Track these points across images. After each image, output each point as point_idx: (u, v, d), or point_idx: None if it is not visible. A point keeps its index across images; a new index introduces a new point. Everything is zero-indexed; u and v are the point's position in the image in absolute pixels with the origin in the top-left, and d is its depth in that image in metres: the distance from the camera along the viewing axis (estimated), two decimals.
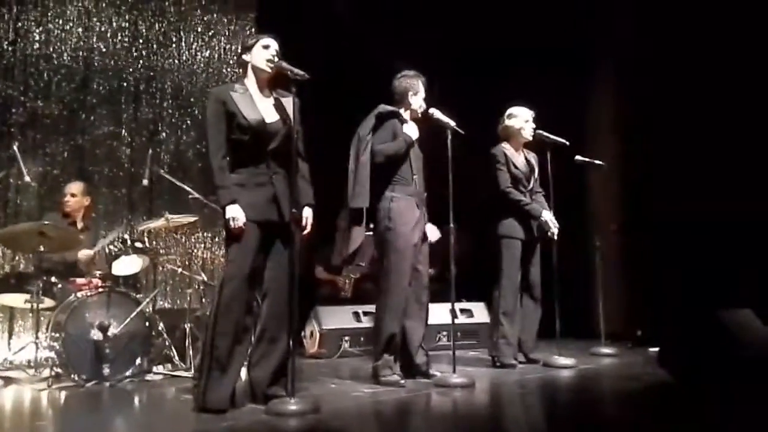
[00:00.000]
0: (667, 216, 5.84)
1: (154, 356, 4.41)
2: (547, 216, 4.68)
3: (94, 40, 6.09)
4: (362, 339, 5.37)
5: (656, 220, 5.99)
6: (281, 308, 3.25)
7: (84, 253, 4.76)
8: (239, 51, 3.48)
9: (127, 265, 4.56)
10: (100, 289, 4.27)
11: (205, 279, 4.95)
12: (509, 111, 4.88)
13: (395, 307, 3.90)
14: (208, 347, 3.15)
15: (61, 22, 5.94)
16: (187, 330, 4.49)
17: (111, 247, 4.50)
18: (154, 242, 5.25)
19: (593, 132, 6.72)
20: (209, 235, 6.38)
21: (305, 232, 3.38)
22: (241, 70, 3.46)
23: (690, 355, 3.76)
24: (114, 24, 6.21)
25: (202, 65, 6.63)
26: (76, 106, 5.94)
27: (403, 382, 3.84)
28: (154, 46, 6.39)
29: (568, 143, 4.94)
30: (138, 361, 4.20)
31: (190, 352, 4.43)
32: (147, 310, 4.36)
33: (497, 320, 4.66)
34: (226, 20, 6.80)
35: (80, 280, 4.52)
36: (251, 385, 3.30)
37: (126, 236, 4.71)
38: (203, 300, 4.81)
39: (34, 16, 5.81)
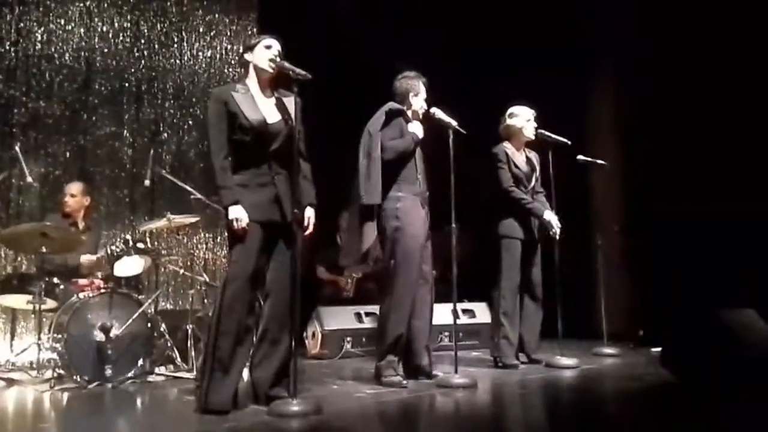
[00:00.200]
0: (670, 216, 5.84)
1: (156, 357, 4.40)
2: (549, 216, 4.67)
3: (96, 40, 6.10)
4: (364, 339, 5.37)
5: (658, 220, 5.98)
6: (283, 309, 3.25)
7: (87, 258, 4.77)
8: (241, 51, 3.48)
9: (129, 266, 4.56)
10: (102, 291, 4.27)
11: (207, 280, 4.95)
12: (510, 110, 4.88)
13: (402, 307, 3.90)
14: (211, 348, 3.15)
15: (62, 22, 5.95)
16: (189, 331, 4.49)
17: (113, 248, 4.49)
18: (156, 243, 5.25)
19: (594, 132, 6.71)
20: (211, 235, 6.38)
21: (307, 232, 3.38)
22: (242, 70, 3.46)
23: (692, 355, 3.75)
24: (116, 24, 6.21)
25: (203, 65, 6.64)
26: (77, 106, 5.95)
27: (405, 382, 3.84)
28: (156, 46, 6.40)
29: (569, 142, 4.93)
30: (140, 362, 4.20)
31: (192, 353, 4.43)
32: (149, 311, 4.36)
33: (498, 321, 4.66)
34: (227, 20, 6.81)
35: (82, 281, 4.53)
36: (253, 386, 3.30)
37: (128, 237, 4.70)
38: (205, 301, 4.81)
39: (36, 17, 5.82)
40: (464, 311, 5.87)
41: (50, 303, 4.41)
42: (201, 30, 6.67)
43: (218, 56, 6.73)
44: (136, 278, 4.69)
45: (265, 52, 3.32)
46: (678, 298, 5.54)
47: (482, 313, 5.89)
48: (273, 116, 3.30)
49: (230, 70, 6.72)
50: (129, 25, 6.27)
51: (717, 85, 5.62)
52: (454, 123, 4.03)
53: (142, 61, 6.30)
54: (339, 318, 5.49)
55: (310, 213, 3.38)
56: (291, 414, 2.98)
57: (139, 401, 3.78)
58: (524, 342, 4.73)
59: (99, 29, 6.12)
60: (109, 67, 6.13)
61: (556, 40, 6.65)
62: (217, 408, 3.08)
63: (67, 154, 5.85)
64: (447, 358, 4.35)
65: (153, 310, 4.52)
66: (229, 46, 6.77)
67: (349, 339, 5.40)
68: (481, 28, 6.74)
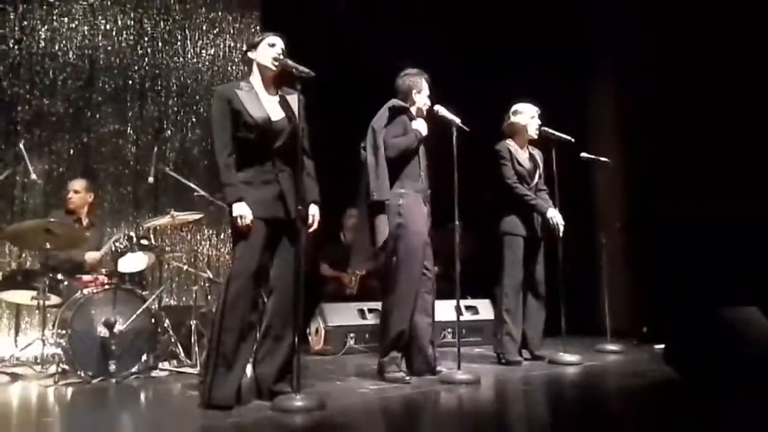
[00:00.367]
0: (672, 214, 5.83)
1: (159, 353, 4.42)
2: (553, 213, 4.67)
3: (100, 38, 6.12)
4: (367, 336, 5.38)
5: (661, 218, 5.98)
6: (287, 305, 3.26)
7: (90, 256, 4.79)
8: (245, 49, 3.48)
9: (133, 263, 4.57)
10: (106, 286, 4.28)
11: (211, 276, 4.96)
12: (514, 107, 4.87)
13: (405, 303, 3.90)
14: (214, 344, 3.16)
15: (66, 20, 5.97)
16: (193, 327, 4.50)
17: (117, 244, 4.50)
18: (159, 239, 5.27)
19: (596, 131, 6.71)
20: (215, 232, 6.40)
21: (311, 229, 3.38)
22: (246, 68, 3.46)
23: (695, 352, 3.75)
24: (119, 22, 6.23)
25: (207, 63, 6.65)
26: (81, 104, 5.97)
27: (408, 378, 3.85)
28: (160, 44, 6.41)
29: (573, 140, 4.93)
30: (144, 357, 4.21)
31: (196, 348, 4.45)
32: (153, 307, 4.38)
33: (501, 317, 4.66)
34: (230, 18, 6.82)
35: (86, 277, 4.54)
36: (257, 381, 3.30)
37: (132, 233, 4.72)
38: (209, 297, 4.83)
39: (40, 15, 5.84)
40: (467, 308, 5.87)
41: (54, 299, 4.43)
42: (204, 28, 6.69)
43: (221, 54, 6.74)
44: (140, 274, 4.70)
45: (269, 50, 3.33)
46: (681, 296, 5.53)
47: (485, 309, 5.89)
48: (277, 114, 3.31)
49: (233, 67, 6.73)
50: (132, 23, 6.29)
51: (718, 84, 5.61)
52: (457, 120, 4.02)
53: (146, 59, 6.32)
54: (342, 314, 5.51)
55: (314, 210, 3.39)
56: (294, 409, 2.99)
57: (142, 396, 3.79)
58: (527, 339, 4.73)
59: (102, 27, 6.14)
60: (112, 65, 6.15)
61: (557, 39, 6.66)
62: (220, 403, 3.09)
63: (71, 152, 5.87)
64: (450, 355, 4.34)
65: (157, 306, 4.53)
66: (232, 44, 6.79)
67: (352, 335, 5.41)
68: (484, 27, 6.74)
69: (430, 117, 4.16)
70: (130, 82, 6.23)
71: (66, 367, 4.09)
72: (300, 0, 6.48)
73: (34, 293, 4.35)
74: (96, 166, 5.95)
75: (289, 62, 3.28)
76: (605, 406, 3.59)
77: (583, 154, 5.36)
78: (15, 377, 4.20)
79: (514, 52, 6.73)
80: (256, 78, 3.38)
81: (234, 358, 3.15)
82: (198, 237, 6.30)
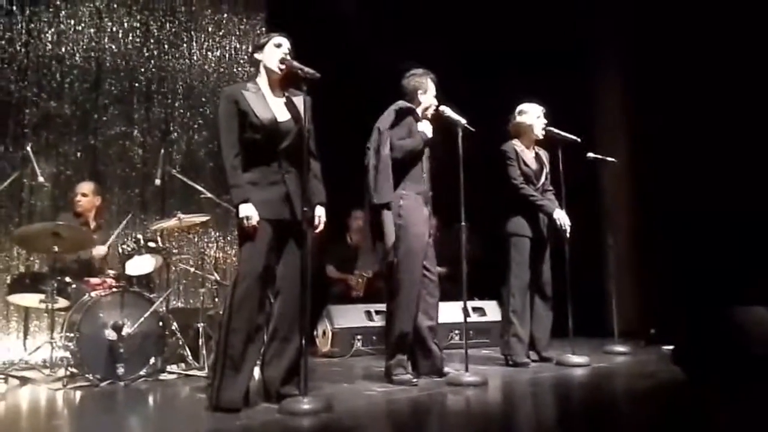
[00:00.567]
0: (680, 214, 5.81)
1: (167, 356, 4.43)
2: (559, 214, 4.66)
3: (106, 40, 6.14)
4: (374, 338, 5.38)
5: (668, 218, 5.95)
6: (293, 307, 3.26)
7: (98, 251, 4.80)
8: (251, 50, 3.49)
9: (141, 265, 4.59)
10: (114, 289, 4.29)
11: (218, 278, 4.97)
12: (520, 107, 4.86)
13: (407, 305, 3.90)
14: (222, 346, 3.16)
15: (72, 22, 5.99)
16: (201, 329, 4.51)
17: (124, 246, 4.52)
18: (167, 242, 5.27)
19: (602, 131, 6.69)
20: (221, 234, 6.41)
21: (318, 230, 3.38)
22: (253, 69, 3.47)
23: (704, 353, 3.73)
24: (125, 24, 6.24)
25: (213, 65, 6.66)
26: (88, 106, 5.98)
27: (415, 380, 3.85)
28: (166, 46, 6.43)
29: (579, 140, 4.91)
30: (152, 360, 4.22)
31: (204, 351, 4.46)
32: (160, 309, 4.39)
33: (508, 319, 4.65)
34: (236, 20, 6.83)
35: (94, 280, 4.55)
36: (264, 383, 3.31)
37: (139, 236, 4.73)
38: (216, 299, 4.83)
39: (47, 17, 5.86)
40: (474, 309, 5.86)
41: (62, 302, 4.45)
42: (210, 29, 6.70)
43: (227, 56, 6.75)
44: (148, 277, 4.71)
45: (275, 51, 3.33)
46: (689, 296, 5.51)
47: (492, 311, 5.88)
48: (283, 115, 3.31)
49: (239, 69, 6.75)
50: (138, 25, 6.30)
51: (725, 82, 5.59)
52: (463, 121, 4.01)
53: (152, 61, 6.33)
54: (349, 316, 5.51)
55: (320, 212, 3.39)
56: (302, 412, 2.99)
57: (150, 399, 3.80)
58: (535, 340, 4.72)
59: (109, 29, 6.16)
60: (119, 67, 6.17)
61: (563, 40, 6.66)
62: (228, 406, 3.09)
63: (78, 154, 5.89)
64: (457, 356, 4.34)
65: (164, 308, 4.54)
66: (238, 46, 6.80)
67: (359, 337, 5.41)
68: (489, 28, 6.75)
69: (436, 118, 4.15)
70: (137, 84, 6.25)
71: (74, 370, 4.11)
72: (305, 1, 6.48)
73: (42, 296, 4.37)
74: (103, 169, 5.97)
75: (295, 63, 3.28)
76: (613, 407, 3.58)
77: (590, 154, 5.35)
78: (24, 381, 4.22)
79: (519, 53, 6.72)
80: (262, 79, 3.38)
81: (241, 360, 3.15)
82: (205, 239, 6.31)
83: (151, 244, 4.59)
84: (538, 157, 4.85)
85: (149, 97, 6.31)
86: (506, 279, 4.67)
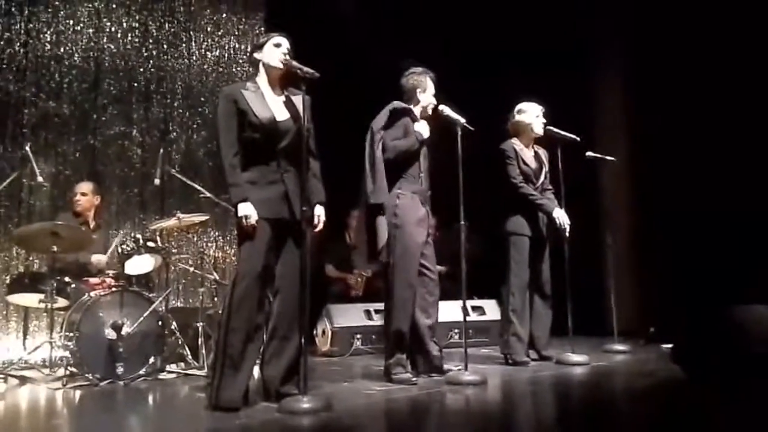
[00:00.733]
0: (679, 213, 5.81)
1: (167, 355, 4.43)
2: (559, 213, 4.66)
3: (105, 40, 6.14)
4: (374, 337, 5.38)
5: (667, 217, 5.96)
6: (293, 306, 3.26)
7: (97, 258, 4.81)
8: (250, 50, 3.49)
9: (140, 265, 4.59)
10: (113, 289, 4.29)
11: (217, 278, 4.97)
12: (519, 106, 4.87)
13: (403, 305, 3.90)
14: (221, 345, 3.16)
15: (71, 23, 5.99)
16: (200, 328, 4.51)
17: (123, 246, 4.52)
18: (166, 242, 5.27)
19: (602, 130, 6.70)
20: (221, 234, 6.41)
21: (317, 230, 3.38)
22: (252, 69, 3.47)
23: (703, 351, 3.73)
24: (124, 24, 6.24)
25: (212, 65, 6.67)
26: (87, 106, 5.99)
27: (414, 379, 3.85)
28: (165, 46, 6.43)
29: (578, 139, 4.91)
30: (151, 359, 4.22)
31: (203, 350, 4.46)
32: (160, 309, 4.39)
33: (508, 318, 4.65)
34: (235, 19, 6.83)
35: (93, 280, 4.56)
36: (264, 383, 3.31)
37: (138, 235, 4.73)
38: (215, 299, 4.83)
39: (45, 18, 5.86)
40: (474, 308, 5.87)
41: (62, 302, 4.45)
42: (209, 29, 6.70)
43: (226, 55, 6.76)
44: (147, 276, 4.71)
45: (275, 51, 3.33)
46: (688, 295, 5.51)
47: (492, 310, 5.89)
48: (282, 114, 3.31)
49: (238, 68, 6.75)
50: (137, 25, 6.31)
51: (724, 81, 5.60)
52: (462, 120, 4.01)
53: (151, 61, 6.33)
54: (348, 315, 5.51)
55: (319, 211, 3.40)
56: (301, 411, 2.99)
57: (150, 399, 3.80)
58: (534, 339, 4.72)
59: (108, 30, 6.16)
60: (118, 67, 6.17)
61: (562, 39, 6.67)
62: (228, 405, 3.09)
63: (77, 154, 5.89)
64: (457, 355, 4.34)
65: (164, 308, 4.54)
66: (236, 45, 6.80)
67: (358, 336, 5.42)
68: (488, 27, 6.75)
69: (436, 117, 4.14)
70: (136, 84, 6.25)
71: (74, 369, 4.11)
72: (304, 1, 6.48)
73: (41, 296, 4.37)
74: (102, 169, 5.97)
75: (294, 63, 3.28)
76: (613, 406, 3.58)
77: (589, 153, 5.35)
78: (23, 380, 4.22)
79: (519, 53, 6.73)
80: (262, 79, 3.38)
81: (241, 359, 3.15)
82: (204, 239, 6.32)
83: (151, 244, 4.59)
84: (537, 156, 4.85)
85: (148, 97, 6.31)
86: (506, 278, 4.67)
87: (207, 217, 4.98)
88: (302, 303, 3.17)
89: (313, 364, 4.48)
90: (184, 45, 6.54)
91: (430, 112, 4.15)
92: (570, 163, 4.85)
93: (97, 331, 4.12)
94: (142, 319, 4.20)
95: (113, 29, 6.19)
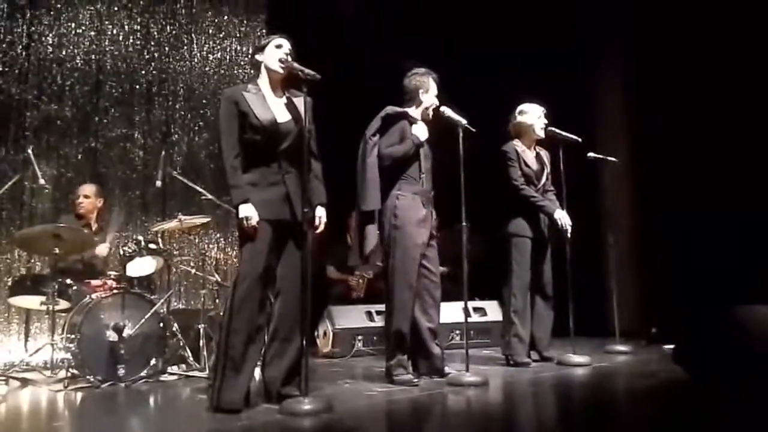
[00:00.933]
0: (681, 213, 5.81)
1: (168, 357, 4.43)
2: (560, 214, 4.66)
3: (107, 43, 6.15)
4: (375, 338, 5.38)
5: (669, 217, 5.95)
6: (294, 308, 3.26)
7: (100, 250, 4.82)
8: (252, 51, 3.49)
9: (142, 267, 4.59)
10: (115, 291, 4.30)
11: (219, 279, 4.97)
12: (520, 107, 4.87)
13: (403, 306, 3.90)
14: (222, 347, 3.16)
15: (73, 26, 6.00)
16: (201, 330, 4.52)
17: (125, 248, 4.52)
18: (167, 243, 5.28)
19: (603, 131, 6.69)
20: (222, 235, 6.42)
21: (318, 231, 3.39)
22: (254, 71, 3.47)
23: (705, 352, 3.73)
24: (126, 27, 6.26)
25: (213, 67, 6.68)
26: (89, 108, 6.00)
27: (416, 381, 3.84)
28: (166, 48, 6.44)
29: (580, 140, 4.91)
30: (153, 361, 4.23)
31: (205, 352, 4.46)
32: (161, 310, 4.39)
33: (509, 319, 4.65)
34: (236, 22, 6.85)
35: (95, 282, 4.57)
36: (265, 384, 3.31)
37: (140, 237, 4.74)
38: (217, 300, 4.83)
39: (47, 21, 5.87)
40: (475, 309, 5.87)
41: (63, 304, 4.46)
42: (210, 32, 6.71)
43: (228, 57, 6.77)
44: (149, 278, 4.72)
45: (276, 52, 3.34)
46: (690, 295, 5.50)
47: (493, 311, 5.88)
48: (283, 116, 3.32)
49: (240, 71, 6.76)
50: (139, 27, 6.32)
51: (725, 81, 5.60)
52: (463, 121, 4.00)
53: (153, 64, 6.35)
54: (350, 317, 5.51)
55: (320, 212, 3.40)
56: (303, 412, 2.98)
57: (151, 400, 3.80)
58: (536, 340, 4.72)
59: (109, 32, 6.17)
60: (119, 70, 6.18)
61: (563, 39, 6.66)
62: (229, 406, 3.09)
63: (79, 156, 5.90)
64: (458, 357, 4.34)
65: (165, 309, 4.55)
66: (238, 47, 6.81)
67: (360, 338, 5.41)
68: (488, 28, 6.75)
69: (437, 118, 4.14)
70: (137, 86, 6.26)
71: (75, 371, 4.11)
72: (305, 3, 6.49)
73: (43, 298, 4.37)
74: (104, 171, 5.99)
75: (295, 65, 3.28)
76: (614, 407, 3.58)
77: (591, 154, 5.35)
78: (25, 382, 4.23)
79: (519, 53, 6.73)
80: (263, 80, 3.39)
81: (242, 361, 3.15)
82: (206, 240, 6.33)
83: (152, 246, 4.59)
84: (538, 157, 4.85)
85: (150, 99, 6.32)
86: (508, 279, 4.67)
87: (208, 219, 4.98)
88: (303, 304, 3.18)
89: (315, 366, 4.49)
90: (185, 47, 6.55)
91: (431, 113, 4.15)
92: (571, 163, 4.85)
93: (99, 333, 4.12)
94: (143, 321, 4.20)
95: (115, 32, 6.20)
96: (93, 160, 5.96)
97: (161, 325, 4.32)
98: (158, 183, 4.96)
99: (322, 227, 3.40)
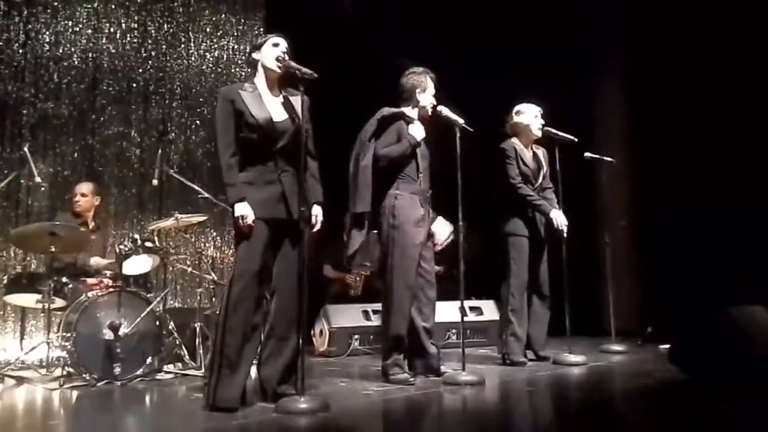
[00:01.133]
0: (677, 213, 5.82)
1: (164, 355, 4.42)
2: (556, 214, 4.66)
3: (104, 41, 6.14)
4: (372, 337, 5.38)
5: (665, 218, 5.96)
6: (290, 306, 3.26)
7: (96, 261, 4.82)
8: (249, 50, 3.49)
9: (138, 265, 4.58)
10: (111, 289, 4.30)
11: (215, 278, 4.97)
12: (517, 108, 4.87)
13: (400, 305, 3.90)
14: (218, 345, 3.16)
15: (70, 23, 5.99)
16: (198, 329, 4.51)
17: (122, 246, 4.52)
18: (164, 242, 5.27)
19: (600, 131, 6.71)
20: (219, 234, 6.41)
21: (315, 229, 3.39)
22: (250, 70, 3.47)
23: (701, 352, 3.74)
24: (123, 25, 6.24)
25: (210, 65, 6.66)
26: (85, 106, 5.99)
27: (412, 380, 3.84)
28: (163, 46, 6.43)
29: (576, 140, 4.92)
30: (149, 360, 4.22)
31: (201, 350, 4.45)
32: (157, 309, 4.38)
33: (507, 318, 4.65)
34: (234, 20, 6.83)
35: (91, 280, 4.56)
36: (261, 383, 3.30)
37: (136, 236, 4.73)
38: (213, 299, 4.83)
39: (44, 18, 5.86)
40: (472, 309, 5.87)
41: (59, 302, 4.45)
42: (208, 30, 6.70)
43: (225, 56, 6.75)
44: (145, 277, 4.71)
45: (273, 51, 3.34)
46: (686, 295, 5.52)
47: (490, 310, 5.89)
48: (280, 114, 3.32)
49: (237, 69, 6.74)
50: (136, 26, 6.30)
51: (720, 82, 5.62)
52: (461, 121, 4.01)
53: (150, 62, 6.33)
54: (346, 315, 5.51)
55: (317, 211, 3.40)
56: (299, 411, 2.99)
57: (147, 399, 3.80)
58: (532, 339, 4.72)
59: (106, 30, 6.16)
60: (116, 68, 6.17)
61: (560, 40, 6.67)
62: (225, 405, 3.09)
63: (76, 154, 5.89)
64: (454, 356, 4.34)
65: (161, 308, 4.54)
66: (235, 46, 6.80)
67: (356, 336, 5.42)
68: (488, 29, 6.76)
69: (435, 117, 4.14)
70: (134, 84, 6.25)
71: (71, 370, 4.10)
72: (303, 2, 6.48)
73: (39, 296, 4.36)
74: (100, 169, 5.97)
75: (293, 64, 3.28)
76: (610, 406, 3.58)
77: (587, 154, 5.36)
78: (21, 380, 4.21)
79: (519, 52, 6.73)
80: (260, 79, 3.38)
81: (238, 359, 3.15)
82: (202, 239, 6.31)
83: (149, 244, 4.58)
84: (536, 156, 4.86)
85: (147, 97, 6.31)
86: (506, 278, 4.67)
87: (205, 218, 4.98)
88: (300, 303, 3.18)
89: (311, 365, 4.49)
90: (182, 45, 6.54)
91: (429, 112, 4.14)
92: (568, 163, 4.85)
93: (95, 332, 4.12)
94: (139, 319, 4.20)
95: (112, 30, 6.18)
96: (89, 158, 5.95)
97: (157, 323, 4.31)
98: (155, 181, 4.95)
99: (318, 226, 3.40)
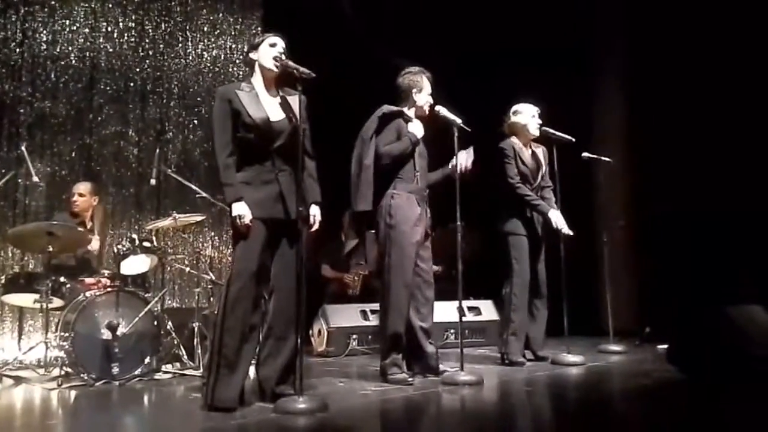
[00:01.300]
0: (675, 213, 5.83)
1: (162, 355, 4.42)
2: (554, 214, 4.66)
3: (101, 40, 6.12)
4: (370, 337, 5.38)
5: (663, 217, 5.97)
6: (288, 306, 3.26)
7: (92, 244, 4.81)
8: (246, 50, 3.49)
9: (136, 265, 4.58)
10: (109, 289, 4.28)
11: (213, 278, 4.97)
12: (514, 108, 4.87)
13: (398, 305, 3.90)
14: (216, 345, 3.16)
15: (67, 22, 5.98)
16: (196, 329, 4.51)
17: (119, 246, 4.52)
18: (162, 242, 5.27)
19: (597, 131, 6.71)
20: (217, 234, 6.41)
21: (312, 229, 3.38)
22: (248, 69, 3.47)
23: (699, 351, 3.74)
24: (120, 24, 6.23)
25: (208, 65, 6.65)
26: (83, 106, 5.97)
27: (411, 380, 3.84)
28: (161, 45, 6.42)
29: (573, 140, 4.92)
30: (147, 360, 4.21)
31: (199, 350, 4.45)
32: (155, 309, 4.38)
33: (508, 317, 4.65)
34: (231, 20, 6.82)
35: (89, 280, 4.55)
36: (259, 383, 3.30)
37: (134, 235, 4.73)
38: (211, 299, 4.83)
39: (41, 17, 5.84)
40: (470, 309, 5.86)
41: (57, 302, 4.44)
42: (205, 29, 6.69)
43: (223, 55, 6.74)
44: (143, 277, 4.70)
45: (270, 50, 3.33)
46: (684, 295, 5.52)
47: (488, 310, 5.89)
48: (277, 114, 3.31)
49: (235, 69, 6.73)
50: (133, 25, 6.29)
51: (719, 82, 5.62)
52: (458, 120, 4.01)
53: (147, 61, 6.32)
54: (345, 315, 5.51)
55: (315, 211, 3.39)
56: (297, 411, 2.98)
57: (146, 399, 3.79)
58: (530, 339, 4.72)
59: (104, 29, 6.14)
60: (114, 67, 6.15)
61: (558, 39, 6.67)
62: (223, 405, 3.09)
63: (73, 154, 5.88)
64: (453, 356, 4.34)
65: (159, 308, 4.54)
66: (233, 45, 6.79)
67: (354, 336, 5.41)
68: (487, 28, 6.76)
69: (432, 117, 4.14)
70: (132, 84, 6.23)
71: (69, 369, 4.09)
72: (300, 1, 6.48)
73: (37, 296, 4.34)
74: (98, 168, 5.96)
75: (290, 63, 3.28)
76: (608, 406, 3.59)
77: (585, 154, 5.36)
78: (18, 380, 4.21)
79: (519, 52, 6.73)
80: (257, 79, 3.38)
81: (236, 359, 3.14)
82: (200, 239, 6.31)
83: (146, 244, 4.58)
84: (535, 155, 4.86)
85: (144, 96, 6.30)
86: (508, 277, 4.66)
87: (203, 217, 4.98)
88: (298, 303, 3.18)
89: (309, 365, 4.49)
90: (180, 45, 6.52)
91: (426, 111, 4.14)
92: (567, 162, 4.85)
93: (93, 331, 4.11)
94: (137, 319, 4.19)
95: (109, 29, 6.17)
96: (87, 157, 5.94)
97: (155, 323, 4.31)
98: (152, 181, 4.94)
99: (316, 226, 3.40)
